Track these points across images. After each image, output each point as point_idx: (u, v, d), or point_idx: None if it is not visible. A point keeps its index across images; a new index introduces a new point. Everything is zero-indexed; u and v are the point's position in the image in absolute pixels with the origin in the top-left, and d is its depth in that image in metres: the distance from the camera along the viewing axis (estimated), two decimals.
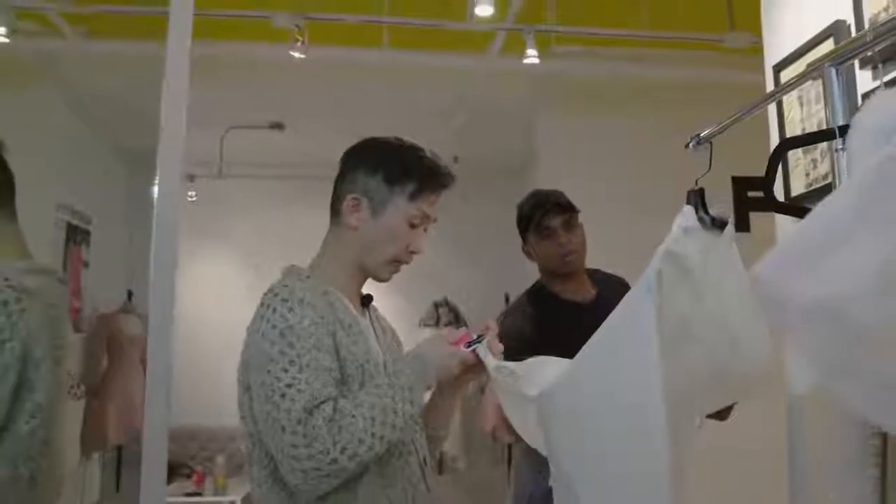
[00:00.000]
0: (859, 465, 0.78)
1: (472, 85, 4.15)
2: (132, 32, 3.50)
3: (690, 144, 1.31)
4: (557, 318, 2.08)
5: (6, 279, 1.37)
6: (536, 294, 2.24)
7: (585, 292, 2.19)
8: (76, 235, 4.90)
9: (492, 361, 1.37)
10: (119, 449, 4.89)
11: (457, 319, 6.15)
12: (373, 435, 1.22)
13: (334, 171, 1.54)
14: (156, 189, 1.79)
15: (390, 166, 1.46)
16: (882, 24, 0.92)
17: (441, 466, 5.84)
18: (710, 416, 1.40)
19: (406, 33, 3.51)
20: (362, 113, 4.65)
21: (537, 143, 4.59)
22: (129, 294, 5.42)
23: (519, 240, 2.29)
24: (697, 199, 1.29)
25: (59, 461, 1.49)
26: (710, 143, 1.30)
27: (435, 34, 3.54)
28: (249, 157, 5.69)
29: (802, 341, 0.62)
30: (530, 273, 2.37)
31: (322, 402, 1.22)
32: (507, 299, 5.58)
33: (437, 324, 6.07)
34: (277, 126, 5.25)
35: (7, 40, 2.99)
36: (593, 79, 3.99)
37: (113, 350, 4.78)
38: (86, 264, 5.10)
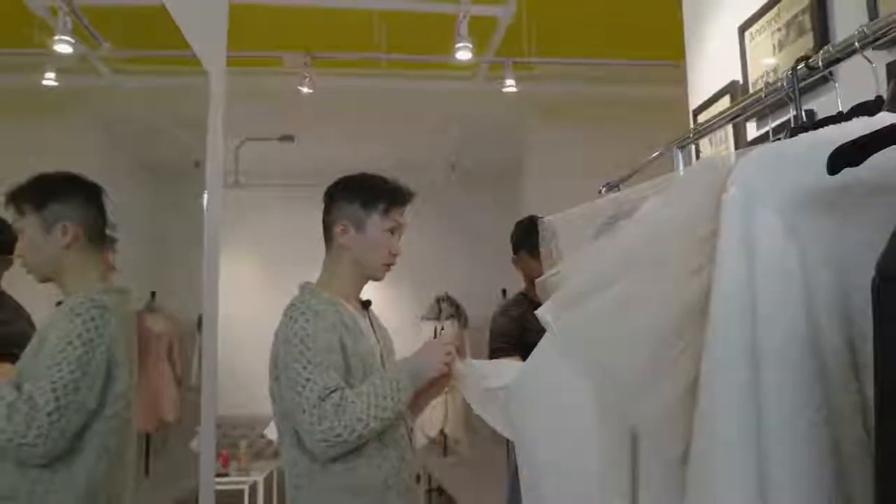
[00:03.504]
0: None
1: (464, 102, 4.58)
2: (155, 66, 3.95)
3: (602, 189, 1.73)
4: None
5: (92, 299, 1.80)
6: (521, 301, 2.74)
7: None
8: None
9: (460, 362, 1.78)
10: (147, 437, 5.35)
11: (457, 313, 6.56)
12: (368, 415, 1.66)
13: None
14: (205, 199, 2.23)
15: (363, 194, 1.89)
16: (701, 124, 1.35)
17: (445, 449, 6.32)
18: None
19: (402, 61, 3.94)
20: (366, 127, 5.09)
21: (524, 152, 5.03)
22: (153, 294, 5.89)
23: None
24: None
25: (132, 438, 1.94)
26: (618, 187, 1.72)
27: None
28: (262, 167, 6.12)
29: None
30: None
31: (331, 392, 1.66)
32: (504, 293, 6.00)
33: (438, 317, 6.48)
34: (288, 138, 5.69)
35: (56, 84, 3.44)
36: (570, 95, 4.42)
37: (140, 346, 5.23)
38: (112, 268, 5.56)
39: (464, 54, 3.08)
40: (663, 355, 0.77)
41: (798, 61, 1.06)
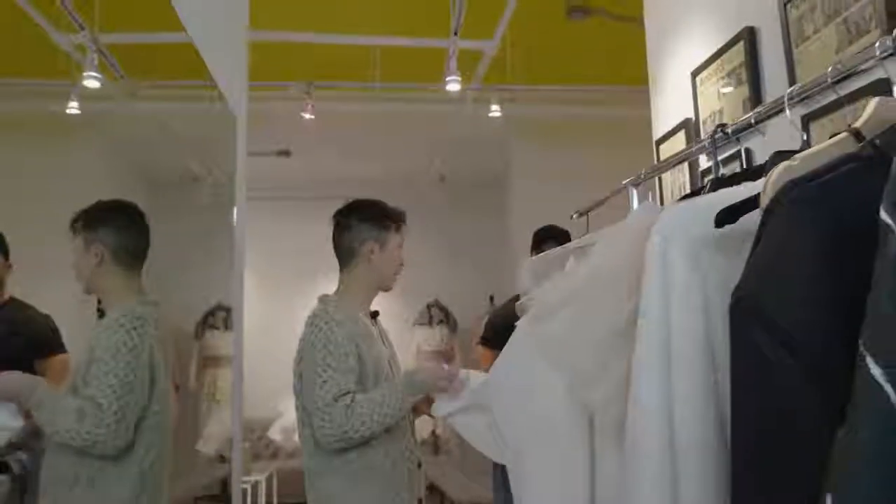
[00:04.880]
0: None
1: (453, 123, 4.91)
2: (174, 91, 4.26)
3: (574, 216, 2.05)
4: None
5: (130, 312, 2.05)
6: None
7: None
8: None
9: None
10: None
11: (447, 319, 6.88)
12: (372, 419, 1.95)
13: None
14: (234, 214, 2.52)
15: (381, 216, 2.22)
16: (653, 167, 1.67)
17: (437, 449, 6.62)
18: None
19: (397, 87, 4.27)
20: (361, 145, 5.40)
21: (509, 166, 5.37)
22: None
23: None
24: None
25: (170, 431, 2.22)
26: (587, 215, 2.04)
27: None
28: (260, 182, 6.40)
29: None
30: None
31: (344, 394, 1.95)
32: (491, 300, 6.32)
33: (429, 323, 6.79)
34: (284, 153, 5.97)
35: (79, 112, 3.72)
36: (552, 116, 4.77)
37: None
38: None
39: (453, 86, 3.43)
40: (610, 353, 1.08)
41: (717, 128, 1.39)
